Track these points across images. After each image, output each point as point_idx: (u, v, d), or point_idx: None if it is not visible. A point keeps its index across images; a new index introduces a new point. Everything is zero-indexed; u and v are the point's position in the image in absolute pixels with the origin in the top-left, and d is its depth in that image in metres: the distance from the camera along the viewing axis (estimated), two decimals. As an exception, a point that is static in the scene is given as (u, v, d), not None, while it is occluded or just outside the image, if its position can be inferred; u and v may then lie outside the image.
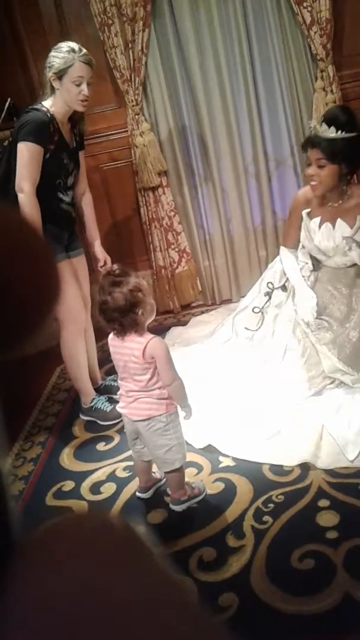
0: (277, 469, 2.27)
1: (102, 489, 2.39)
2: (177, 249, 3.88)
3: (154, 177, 3.68)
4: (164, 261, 3.87)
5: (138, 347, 1.97)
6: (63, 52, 2.50)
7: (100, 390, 2.97)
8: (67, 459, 2.65)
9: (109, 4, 3.38)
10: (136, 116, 3.59)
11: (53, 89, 2.57)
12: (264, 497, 2.14)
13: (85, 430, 2.84)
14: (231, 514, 2.10)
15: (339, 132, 2.45)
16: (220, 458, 2.41)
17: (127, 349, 2.00)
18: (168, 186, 3.78)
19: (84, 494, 2.39)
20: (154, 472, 2.32)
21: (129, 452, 2.55)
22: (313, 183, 2.55)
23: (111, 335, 2.08)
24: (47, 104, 2.58)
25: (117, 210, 3.95)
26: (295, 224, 2.79)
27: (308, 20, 3.36)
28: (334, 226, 2.61)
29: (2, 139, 3.44)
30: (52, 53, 2.54)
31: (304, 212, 2.72)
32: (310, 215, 2.70)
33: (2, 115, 3.53)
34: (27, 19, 3.48)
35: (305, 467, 2.25)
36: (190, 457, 2.42)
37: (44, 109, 2.56)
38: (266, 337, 2.86)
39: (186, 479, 2.23)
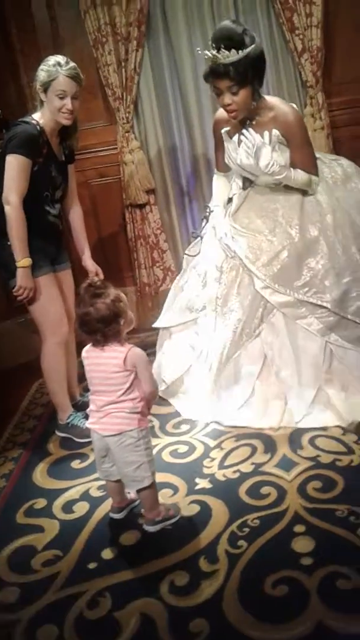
0: (254, 492, 2.24)
1: (74, 507, 2.34)
2: (162, 267, 3.87)
3: (142, 194, 3.69)
4: (148, 278, 3.86)
5: (119, 355, 1.98)
6: (49, 65, 2.51)
7: (78, 406, 2.93)
8: (40, 476, 2.59)
9: (104, 22, 3.41)
10: (126, 134, 3.60)
11: (42, 102, 2.57)
12: (240, 520, 2.10)
13: (61, 447, 2.79)
14: (205, 537, 2.06)
15: (240, 51, 2.36)
16: (197, 480, 2.37)
17: (105, 358, 2.00)
18: (155, 204, 3.79)
19: (56, 513, 2.33)
20: (128, 493, 2.27)
21: (104, 471, 2.52)
22: (232, 111, 2.51)
23: (86, 348, 2.07)
24: (37, 116, 2.59)
25: (103, 226, 3.95)
26: (220, 146, 2.79)
27: (299, 47, 3.42)
28: None
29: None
30: (40, 66, 2.54)
31: (223, 131, 2.70)
32: (229, 134, 2.68)
33: (-8, 127, 3.52)
34: (21, 32, 3.50)
35: (282, 490, 2.22)
36: (166, 478, 2.38)
37: (33, 121, 2.56)
38: (200, 262, 2.84)
39: (161, 500, 2.19)
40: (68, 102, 2.52)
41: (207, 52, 2.40)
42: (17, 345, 3.78)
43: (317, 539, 1.96)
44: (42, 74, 2.52)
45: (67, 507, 2.35)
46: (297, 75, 3.54)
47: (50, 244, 2.72)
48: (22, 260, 2.54)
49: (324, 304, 2.52)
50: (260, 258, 2.59)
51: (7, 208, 2.51)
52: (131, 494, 2.27)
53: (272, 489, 2.24)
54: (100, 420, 2.05)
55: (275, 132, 2.56)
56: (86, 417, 2.81)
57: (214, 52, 2.37)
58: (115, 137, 3.68)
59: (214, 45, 2.38)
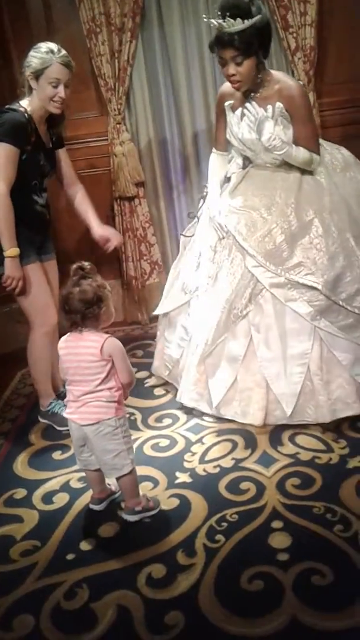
0: (233, 488, 2.26)
1: (54, 498, 2.34)
2: (149, 261, 3.87)
3: (131, 187, 3.68)
4: (135, 272, 3.85)
5: (95, 345, 2.00)
6: (41, 53, 2.48)
7: (60, 396, 2.93)
8: (20, 466, 2.59)
9: (98, 12, 3.38)
10: (117, 125, 3.58)
11: (31, 89, 2.54)
12: (218, 515, 2.13)
13: (42, 438, 2.79)
14: (184, 531, 2.08)
15: (246, 21, 2.34)
16: (177, 474, 2.38)
17: (82, 348, 2.02)
18: (144, 197, 3.77)
19: (36, 503, 2.33)
20: (108, 484, 2.28)
21: (85, 463, 2.52)
22: (235, 82, 2.49)
23: (63, 338, 2.09)
24: (25, 103, 2.55)
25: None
26: (221, 124, 2.78)
27: (293, 46, 3.42)
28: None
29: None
30: (31, 52, 2.50)
31: (226, 104, 2.67)
32: (233, 109, 2.66)
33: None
34: (14, 19, 3.45)
35: (261, 486, 2.25)
36: (147, 471, 2.40)
37: (21, 109, 2.53)
38: (195, 243, 2.82)
39: (142, 492, 2.20)
40: (61, 90, 2.50)
41: (212, 20, 2.38)
42: (1, 335, 3.76)
43: (294, 535, 1.99)
44: (34, 60, 2.48)
45: (47, 497, 2.36)
46: (290, 74, 3.53)
47: (37, 233, 2.70)
48: (10, 250, 2.53)
49: (315, 285, 2.45)
50: (254, 235, 2.53)
51: None
52: (112, 486, 2.28)
53: (252, 484, 2.27)
54: (77, 410, 2.06)
55: (279, 105, 2.52)
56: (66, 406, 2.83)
57: (220, 20, 2.34)
58: (106, 128, 3.65)
59: (219, 13, 2.35)
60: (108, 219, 3.84)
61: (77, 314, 1.99)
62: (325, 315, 2.48)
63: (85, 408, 2.04)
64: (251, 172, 2.72)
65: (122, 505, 2.20)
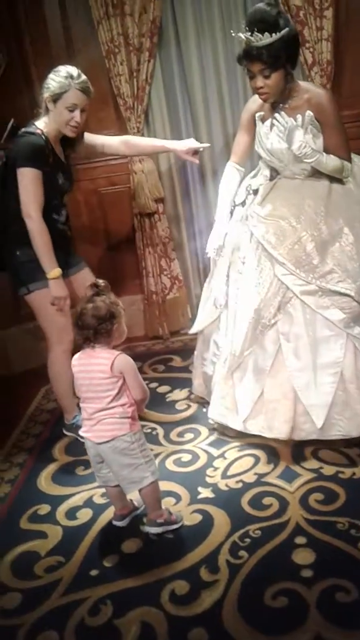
0: (256, 503, 2.25)
1: (78, 514, 2.36)
2: (169, 276, 3.90)
3: (151, 203, 3.72)
4: (155, 287, 3.88)
5: (106, 362, 2.01)
6: (60, 77, 2.50)
7: None
8: (44, 481, 2.61)
9: (117, 33, 3.45)
10: (137, 143, 3.63)
11: (47, 110, 2.58)
12: (241, 531, 2.12)
13: (66, 454, 2.81)
14: (207, 547, 2.07)
15: (273, 34, 2.33)
16: (200, 489, 2.38)
17: (93, 365, 2.03)
18: (164, 213, 3.81)
19: (60, 519, 2.35)
20: (130, 500, 2.29)
21: (108, 478, 2.53)
22: (263, 94, 2.49)
23: (75, 356, 2.11)
24: (40, 125, 2.59)
25: (112, 233, 3.97)
26: (243, 134, 2.77)
27: (310, 60, 3.44)
28: None
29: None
30: (51, 75, 2.54)
31: (257, 115, 2.66)
32: (262, 120, 2.65)
33: (5, 135, 3.56)
34: (35, 42, 3.53)
35: (284, 502, 2.23)
36: (169, 486, 2.40)
37: (38, 131, 2.57)
38: (227, 254, 2.76)
39: (164, 506, 2.21)
40: (77, 115, 2.54)
41: (240, 34, 2.38)
42: (24, 352, 3.81)
43: (317, 552, 1.97)
44: (53, 84, 2.51)
45: (71, 513, 2.37)
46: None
47: (59, 251, 2.72)
48: (52, 272, 2.58)
49: (348, 292, 2.42)
50: (283, 243, 2.50)
51: (28, 222, 2.54)
52: (134, 501, 2.29)
53: (274, 500, 2.26)
54: (92, 428, 2.07)
55: (308, 113, 2.51)
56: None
57: (248, 34, 2.35)
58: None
59: (247, 27, 2.35)
60: (129, 235, 3.90)
61: (90, 330, 2.01)
62: (358, 322, 2.45)
63: (99, 426, 2.06)
64: (279, 183, 2.71)
65: (145, 519, 2.21)
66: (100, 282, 2.08)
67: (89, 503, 2.41)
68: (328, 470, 2.39)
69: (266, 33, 2.33)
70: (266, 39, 2.33)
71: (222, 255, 2.78)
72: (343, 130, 2.62)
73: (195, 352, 3.02)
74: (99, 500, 2.42)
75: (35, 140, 2.54)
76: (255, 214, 2.62)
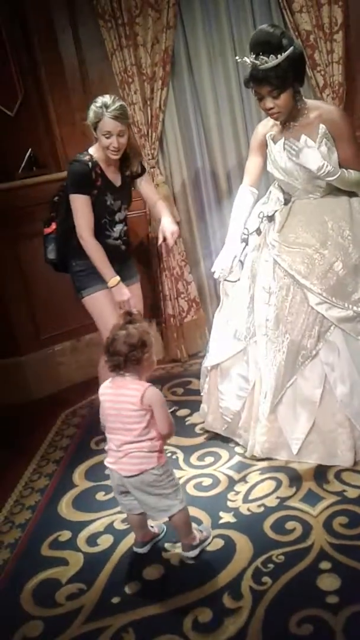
0: (279, 527, 2.22)
1: (99, 540, 2.34)
2: (186, 299, 3.91)
3: (167, 227, 3.74)
4: (173, 310, 3.90)
5: (135, 394, 2.00)
6: (96, 107, 2.69)
7: None
8: (65, 507, 2.61)
9: (130, 63, 3.52)
10: (152, 169, 3.68)
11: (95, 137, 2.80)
12: (264, 556, 2.08)
13: (86, 479, 2.81)
14: (229, 573, 2.04)
15: (279, 55, 2.33)
16: (221, 514, 2.36)
17: (122, 396, 2.02)
18: (180, 236, 3.83)
19: (80, 546, 2.34)
20: (151, 527, 2.27)
21: (129, 503, 2.52)
22: (274, 114, 2.49)
23: (104, 385, 2.11)
24: (92, 150, 2.82)
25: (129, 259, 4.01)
26: (254, 157, 2.76)
27: (321, 83, 3.47)
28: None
29: (21, 187, 3.56)
30: (91, 105, 2.73)
31: (268, 135, 2.65)
32: (274, 140, 2.64)
33: (23, 165, 3.64)
34: (51, 75, 3.62)
35: (307, 526, 2.20)
36: (190, 511, 2.35)
37: (86, 157, 2.78)
38: (248, 285, 2.70)
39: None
40: (114, 141, 2.71)
41: (246, 58, 2.39)
42: (44, 377, 3.84)
43: (343, 577, 1.93)
44: (90, 114, 2.72)
45: (92, 539, 2.36)
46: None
47: (112, 263, 2.86)
48: (110, 281, 2.82)
49: None
50: (314, 272, 2.47)
51: (81, 242, 2.80)
52: (154, 528, 2.27)
53: (298, 524, 2.22)
54: (119, 461, 2.05)
55: (322, 127, 2.50)
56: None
57: (253, 58, 2.36)
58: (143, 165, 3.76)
59: (252, 51, 2.37)
60: (146, 259, 3.93)
61: (120, 356, 2.00)
62: None
63: (127, 459, 2.04)
64: (296, 208, 2.67)
65: (164, 546, 2.18)
66: (134, 310, 2.12)
67: (109, 529, 2.40)
68: (352, 492, 2.34)
69: (271, 55, 2.33)
70: (272, 61, 2.34)
71: (238, 285, 2.73)
72: (356, 141, 2.60)
73: (207, 385, 2.90)
74: (119, 526, 2.40)
75: (78, 167, 2.76)
76: (276, 242, 2.59)
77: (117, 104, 2.70)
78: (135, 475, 2.03)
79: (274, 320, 2.54)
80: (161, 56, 3.50)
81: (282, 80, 2.37)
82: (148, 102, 3.58)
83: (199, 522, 2.32)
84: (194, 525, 2.20)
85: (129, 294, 2.86)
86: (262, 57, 2.34)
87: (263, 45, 2.35)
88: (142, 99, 3.56)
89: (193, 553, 2.14)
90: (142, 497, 2.07)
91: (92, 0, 3.43)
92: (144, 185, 3.06)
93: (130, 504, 2.16)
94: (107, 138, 2.70)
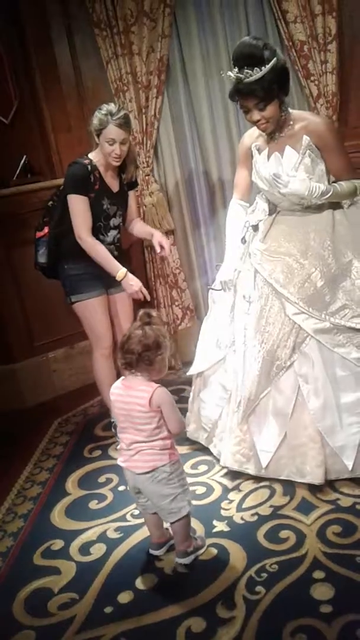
0: (272, 536, 2.21)
1: (91, 549, 2.33)
2: (181, 306, 3.91)
3: (161, 235, 3.75)
4: (167, 317, 3.89)
5: (144, 395, 2.00)
6: (101, 114, 2.76)
7: None
8: (58, 516, 2.59)
9: (125, 71, 3.53)
10: (146, 177, 3.69)
11: (97, 143, 2.85)
12: (258, 565, 2.08)
13: (79, 487, 2.79)
14: (223, 582, 2.03)
15: (263, 67, 2.32)
16: (215, 522, 2.35)
17: (131, 397, 2.02)
18: (174, 244, 3.84)
19: (73, 555, 2.32)
20: (167, 528, 2.26)
21: (122, 512, 2.52)
22: (262, 125, 2.48)
23: (116, 384, 2.11)
24: (92, 155, 2.87)
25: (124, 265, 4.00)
26: (242, 170, 2.76)
27: (315, 93, 3.49)
28: (282, 155, 2.52)
29: (16, 194, 3.55)
30: (95, 112, 2.80)
31: (253, 146, 2.65)
32: (259, 150, 2.63)
33: (17, 172, 3.64)
34: (46, 80, 3.62)
35: (301, 535, 2.19)
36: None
37: (86, 161, 2.83)
38: (231, 294, 2.71)
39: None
40: (117, 148, 2.78)
41: (230, 73, 2.39)
42: (38, 384, 3.82)
43: (336, 586, 1.92)
44: (95, 121, 2.78)
45: (84, 548, 2.34)
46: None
47: (102, 269, 2.89)
48: (118, 274, 2.85)
49: None
50: (292, 281, 2.46)
51: (80, 243, 2.83)
52: (170, 529, 2.25)
53: (291, 533, 2.22)
54: (131, 459, 2.06)
55: (305, 138, 2.48)
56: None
57: (236, 72, 2.35)
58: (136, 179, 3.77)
59: (235, 65, 2.36)
60: (140, 267, 3.93)
61: (133, 355, 2.00)
62: None
63: (139, 456, 2.04)
64: (279, 218, 2.67)
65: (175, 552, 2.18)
66: (154, 313, 2.09)
67: (102, 538, 2.39)
68: (345, 501, 2.34)
69: (255, 68, 2.33)
70: (256, 74, 2.33)
71: (222, 293, 2.74)
72: (345, 152, 2.60)
73: (191, 394, 2.92)
74: (112, 534, 2.39)
75: (77, 169, 2.82)
76: (258, 251, 2.59)
77: (122, 112, 2.79)
78: (147, 473, 2.03)
79: (252, 329, 2.53)
80: (156, 65, 3.51)
81: (267, 92, 2.37)
82: (143, 111, 3.58)
83: (193, 532, 2.30)
84: (191, 533, 2.20)
85: (139, 283, 2.88)
86: (246, 70, 2.33)
87: (246, 59, 2.33)
88: (137, 107, 3.57)
89: (187, 560, 2.13)
90: (155, 498, 2.07)
91: (88, 8, 3.44)
92: (130, 201, 3.10)
93: (145, 505, 2.16)
94: (110, 145, 2.77)
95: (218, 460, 2.71)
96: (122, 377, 2.10)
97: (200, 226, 3.94)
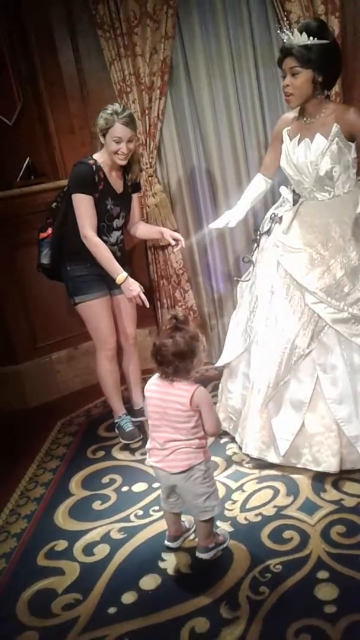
0: (276, 537, 2.21)
1: (95, 550, 2.33)
2: (184, 307, 3.90)
3: (164, 236, 3.75)
4: (170, 319, 3.89)
5: (185, 394, 1.99)
6: (107, 113, 2.80)
7: (136, 412, 3.28)
8: (61, 517, 2.59)
9: (128, 73, 3.54)
10: (149, 178, 3.69)
11: (102, 144, 2.88)
12: (262, 566, 2.07)
13: (83, 488, 2.79)
14: (226, 582, 2.03)
15: (311, 38, 2.41)
16: (218, 523, 2.34)
17: (170, 395, 2.01)
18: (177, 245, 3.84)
19: (77, 555, 2.32)
20: (182, 521, 2.28)
21: (126, 513, 2.52)
22: (288, 94, 2.50)
23: (151, 381, 2.09)
24: (97, 155, 2.90)
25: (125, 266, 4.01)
26: (274, 149, 2.80)
27: (318, 93, 3.49)
28: (312, 141, 2.54)
29: (19, 196, 3.56)
30: (100, 112, 2.83)
31: (284, 131, 2.68)
32: (290, 135, 2.65)
33: (21, 174, 3.65)
34: (49, 82, 3.63)
35: (305, 535, 2.18)
36: (188, 520, 2.36)
37: (91, 161, 2.86)
38: (254, 284, 2.76)
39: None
40: (123, 146, 2.81)
41: (283, 32, 2.49)
42: (41, 385, 3.83)
43: (341, 586, 1.92)
44: (100, 121, 2.81)
45: (88, 549, 2.34)
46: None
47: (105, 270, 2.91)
48: (118, 277, 2.85)
49: None
50: (312, 271, 2.49)
51: (85, 242, 2.84)
52: (185, 522, 2.28)
53: (295, 533, 2.21)
54: (166, 459, 2.05)
55: (336, 127, 2.48)
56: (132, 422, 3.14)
57: (290, 34, 2.45)
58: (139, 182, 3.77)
59: (296, 29, 2.47)
60: (143, 268, 3.94)
61: (170, 365, 1.98)
62: None
63: (174, 455, 2.04)
64: (302, 210, 2.67)
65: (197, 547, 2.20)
66: (180, 314, 2.03)
67: (106, 538, 2.38)
68: (349, 501, 2.34)
69: (304, 34, 2.41)
70: (303, 38, 2.41)
71: (251, 286, 2.80)
72: None
73: (221, 385, 3.00)
74: (116, 535, 2.39)
75: (82, 168, 2.84)
76: (281, 243, 2.63)
77: (127, 111, 2.84)
78: (184, 472, 2.03)
79: (273, 319, 2.58)
80: (159, 66, 3.51)
81: (303, 56, 2.42)
82: (146, 112, 3.59)
83: (216, 526, 2.29)
84: (213, 529, 2.21)
85: (138, 289, 2.87)
86: (297, 32, 2.44)
87: (304, 26, 2.44)
88: (141, 109, 3.58)
89: (207, 555, 2.15)
90: (189, 496, 2.08)
91: (91, 10, 3.45)
92: (134, 203, 3.14)
93: (174, 504, 2.17)
94: (117, 143, 2.80)
95: (231, 453, 2.77)
96: (157, 375, 2.07)
97: (203, 226, 3.93)
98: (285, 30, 2.51)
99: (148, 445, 2.13)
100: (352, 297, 2.45)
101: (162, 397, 2.03)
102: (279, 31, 2.57)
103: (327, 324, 2.46)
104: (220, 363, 2.95)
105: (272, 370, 2.53)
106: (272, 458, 2.60)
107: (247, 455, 2.69)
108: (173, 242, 3.11)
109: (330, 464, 2.45)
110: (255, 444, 2.63)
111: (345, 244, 2.51)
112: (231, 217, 2.89)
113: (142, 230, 3.21)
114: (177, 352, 1.95)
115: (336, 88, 3.46)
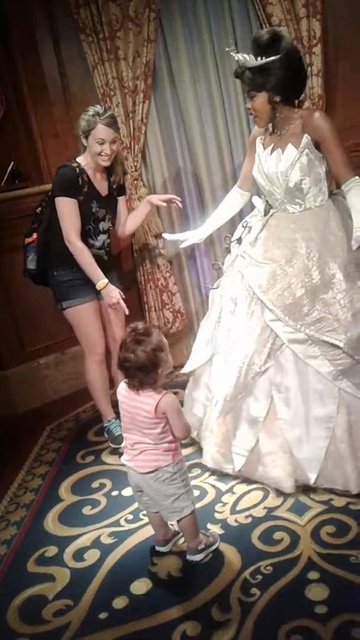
0: (267, 538, 2.21)
1: (85, 555, 2.32)
2: (171, 309, 3.91)
3: (151, 239, 3.76)
4: (158, 321, 3.89)
5: (150, 402, 1.99)
6: (88, 115, 2.80)
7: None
8: (51, 522, 2.58)
9: (112, 77, 3.53)
10: (135, 181, 3.69)
11: (84, 146, 2.88)
12: (252, 567, 2.08)
13: (72, 493, 2.78)
14: (217, 585, 2.03)
15: (259, 58, 2.30)
16: (209, 525, 2.34)
17: (137, 402, 2.01)
18: (164, 248, 3.84)
19: (67, 561, 2.31)
20: (171, 525, 2.27)
21: (116, 517, 2.51)
22: (254, 116, 2.50)
23: (122, 385, 2.09)
24: (80, 159, 2.90)
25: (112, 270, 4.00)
26: (250, 158, 2.76)
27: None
28: (283, 151, 2.48)
29: (4, 200, 3.54)
30: (82, 115, 2.83)
31: (258, 139, 2.65)
32: (264, 144, 2.60)
33: (5, 178, 3.64)
34: (33, 86, 3.61)
35: (295, 536, 2.19)
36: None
37: (74, 164, 2.86)
38: (222, 295, 2.73)
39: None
40: (106, 147, 2.82)
41: (237, 55, 2.39)
42: (29, 390, 3.81)
43: (331, 586, 1.93)
44: (82, 122, 2.82)
45: (78, 554, 2.33)
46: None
47: None
48: (99, 283, 2.86)
49: (338, 343, 2.29)
50: (273, 288, 2.43)
51: (69, 246, 2.83)
52: (174, 526, 2.27)
53: (285, 534, 2.22)
54: (135, 458, 2.07)
55: (306, 138, 2.42)
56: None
57: (240, 55, 2.37)
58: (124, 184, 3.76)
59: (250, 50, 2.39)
60: (130, 271, 3.94)
61: (134, 379, 1.99)
62: (348, 376, 2.32)
63: (142, 456, 2.05)
64: (271, 222, 2.62)
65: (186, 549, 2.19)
66: (140, 326, 2.00)
67: (96, 543, 2.38)
68: (338, 502, 2.35)
69: (251, 57, 2.34)
70: (252, 61, 2.34)
71: (218, 294, 2.78)
72: (342, 146, 2.51)
73: (186, 392, 2.97)
74: (106, 540, 2.38)
75: (66, 171, 2.84)
76: (247, 254, 2.59)
77: (109, 112, 2.85)
78: (151, 472, 2.04)
79: (234, 331, 2.56)
80: (142, 70, 3.52)
81: (252, 81, 2.37)
82: (130, 115, 3.59)
83: (205, 528, 2.30)
84: (203, 530, 2.21)
85: (118, 295, 2.88)
86: (245, 55, 2.36)
87: (253, 45, 2.36)
88: (124, 112, 3.57)
89: (198, 557, 2.15)
90: (156, 497, 2.08)
91: (73, 14, 3.45)
92: (121, 207, 3.15)
93: (147, 503, 2.17)
94: (100, 145, 2.80)
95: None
96: (125, 380, 2.07)
97: (189, 230, 3.92)
98: (234, 52, 2.40)
99: (123, 444, 2.16)
100: (310, 317, 2.36)
101: (130, 404, 2.04)
102: (232, 53, 2.41)
103: (284, 343, 2.41)
104: (184, 370, 2.93)
105: (230, 384, 2.49)
106: (229, 471, 2.60)
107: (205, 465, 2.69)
108: (164, 205, 3.10)
109: (284, 486, 2.42)
110: (212, 455, 2.64)
111: (309, 262, 2.42)
112: (189, 236, 2.96)
113: (130, 220, 3.19)
114: (140, 367, 1.95)
115: (319, 91, 3.49)
